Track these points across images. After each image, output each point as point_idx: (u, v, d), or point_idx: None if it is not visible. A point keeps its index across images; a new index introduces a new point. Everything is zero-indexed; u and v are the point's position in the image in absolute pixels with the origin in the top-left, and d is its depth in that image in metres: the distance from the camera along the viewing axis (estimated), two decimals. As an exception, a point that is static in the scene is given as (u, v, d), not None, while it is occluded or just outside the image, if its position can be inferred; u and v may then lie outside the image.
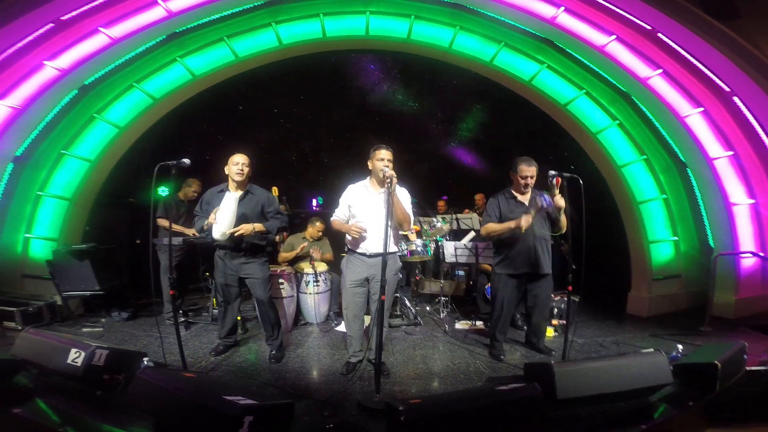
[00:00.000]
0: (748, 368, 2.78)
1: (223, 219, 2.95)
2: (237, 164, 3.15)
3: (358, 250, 3.01)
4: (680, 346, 3.20)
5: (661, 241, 4.91)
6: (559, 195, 3.10)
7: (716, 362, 2.59)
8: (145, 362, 2.73)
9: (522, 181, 3.30)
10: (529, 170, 3.27)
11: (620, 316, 4.80)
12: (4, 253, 4.34)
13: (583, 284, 3.09)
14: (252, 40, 4.60)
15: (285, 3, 4.34)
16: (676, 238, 4.95)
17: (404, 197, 3.01)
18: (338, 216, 3.11)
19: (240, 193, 3.19)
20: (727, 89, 4.14)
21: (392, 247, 2.95)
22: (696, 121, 4.43)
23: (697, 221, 4.92)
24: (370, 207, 2.97)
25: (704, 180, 4.64)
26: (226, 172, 3.23)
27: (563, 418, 2.38)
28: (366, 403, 2.52)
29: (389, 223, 2.68)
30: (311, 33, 4.66)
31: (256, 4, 4.25)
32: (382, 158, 2.88)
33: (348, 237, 3.03)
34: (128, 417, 2.27)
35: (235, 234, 3.01)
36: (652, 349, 2.73)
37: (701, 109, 4.34)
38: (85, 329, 4.05)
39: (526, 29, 4.58)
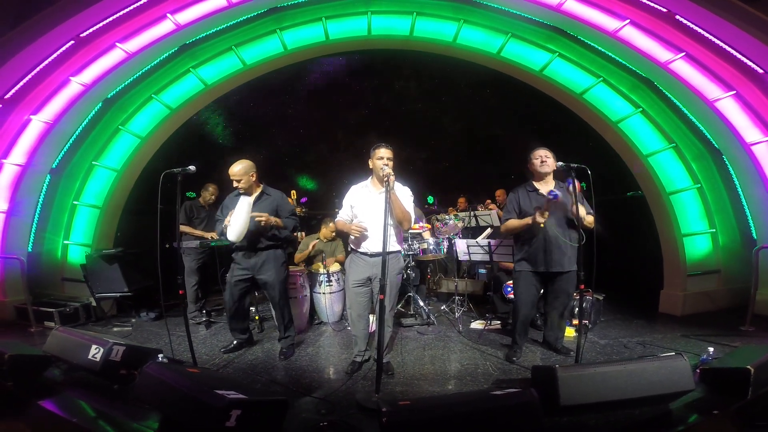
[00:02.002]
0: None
1: (236, 221, 3.02)
2: (233, 178, 3.22)
3: (360, 250, 3.01)
4: (711, 349, 2.95)
5: (696, 234, 4.57)
6: (575, 204, 2.95)
7: (749, 367, 2.37)
8: (160, 358, 2.87)
9: (536, 161, 3.19)
10: (539, 152, 3.20)
11: (651, 316, 4.50)
12: (46, 259, 4.73)
13: (601, 281, 2.90)
14: (259, 48, 4.74)
15: (288, 10, 4.43)
16: (714, 230, 4.58)
17: (405, 196, 2.98)
18: (342, 216, 3.14)
19: (254, 195, 3.28)
20: (761, 71, 3.79)
21: (393, 246, 2.94)
22: (728, 105, 4.08)
23: (738, 211, 4.54)
24: (371, 206, 2.96)
25: (742, 167, 4.27)
26: None
27: (568, 426, 2.26)
28: (364, 403, 2.51)
29: (389, 221, 2.66)
30: (315, 37, 4.72)
31: (258, 12, 4.38)
32: (381, 157, 2.87)
33: (351, 237, 3.04)
34: (139, 410, 2.38)
35: (257, 219, 3.06)
36: (672, 353, 2.53)
37: (733, 92, 4.00)
38: (115, 328, 4.32)
39: (532, 18, 4.41)
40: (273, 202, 3.34)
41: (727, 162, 4.39)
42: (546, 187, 3.22)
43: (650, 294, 4.83)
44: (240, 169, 3.21)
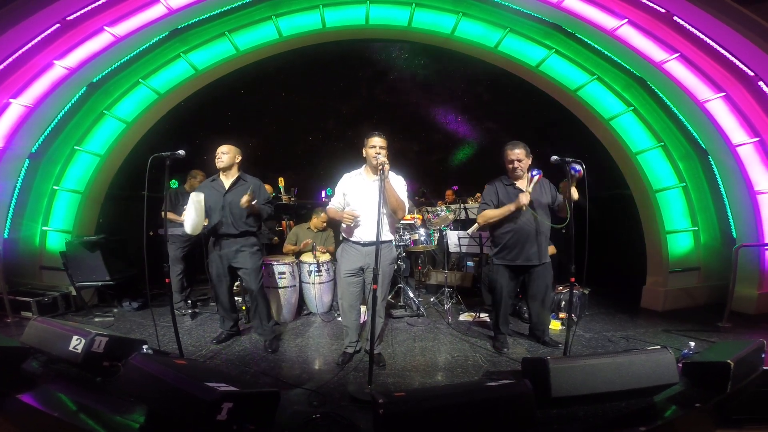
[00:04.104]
0: (766, 368, 2.61)
1: (188, 216, 3.00)
2: (216, 154, 3.32)
3: (353, 239, 2.98)
4: (692, 343, 3.03)
5: (679, 231, 4.67)
6: (575, 188, 2.97)
7: (729, 361, 2.43)
8: (144, 349, 2.78)
9: (510, 166, 3.23)
10: (513, 153, 3.19)
11: (633, 310, 4.62)
12: (23, 246, 4.53)
13: (593, 275, 2.94)
14: (253, 34, 4.62)
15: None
16: (696, 228, 4.69)
17: (399, 185, 2.96)
18: (334, 204, 3.10)
19: (231, 179, 3.34)
20: (752, 74, 3.88)
21: (387, 236, 2.92)
22: (717, 107, 4.17)
23: (719, 211, 4.65)
24: (364, 195, 2.93)
25: (727, 167, 4.37)
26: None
27: (557, 417, 2.29)
28: (356, 395, 2.50)
29: (383, 210, 2.63)
30: (311, 24, 4.63)
31: (253, -2, 4.27)
32: (374, 145, 2.86)
33: (343, 225, 3.01)
34: (124, 403, 2.30)
35: (242, 202, 3.10)
36: (658, 346, 2.59)
37: (723, 94, 4.09)
38: (96, 319, 4.19)
39: (531, 14, 4.42)
40: (248, 189, 3.29)
41: (712, 162, 4.49)
42: (522, 182, 3.27)
43: (632, 289, 4.93)
44: (228, 148, 3.33)
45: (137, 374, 2.14)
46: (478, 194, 6.04)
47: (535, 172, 3.03)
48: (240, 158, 3.38)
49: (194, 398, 1.83)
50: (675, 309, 4.54)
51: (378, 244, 2.53)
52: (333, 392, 2.61)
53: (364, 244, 2.94)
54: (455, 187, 6.63)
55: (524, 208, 3.05)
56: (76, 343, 2.58)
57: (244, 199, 3.07)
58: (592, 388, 2.23)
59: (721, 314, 4.01)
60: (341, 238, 3.12)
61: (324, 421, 2.22)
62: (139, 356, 2.29)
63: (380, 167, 2.64)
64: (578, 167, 2.84)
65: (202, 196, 3.09)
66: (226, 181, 3.33)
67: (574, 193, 2.98)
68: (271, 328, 3.47)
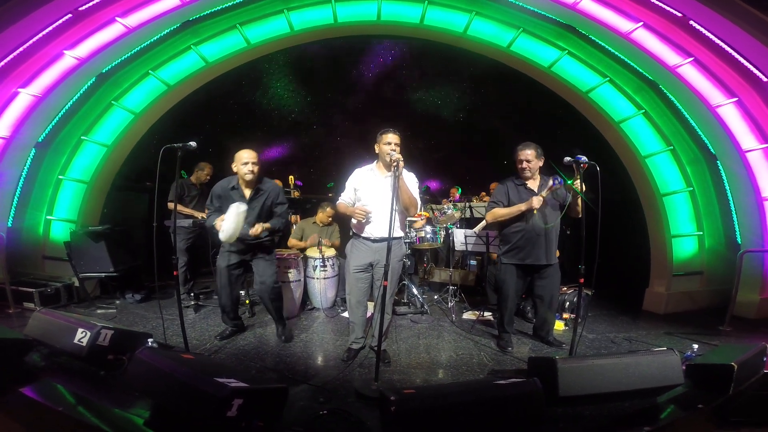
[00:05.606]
0: (766, 371, 2.62)
1: (226, 228, 2.95)
2: (246, 164, 3.11)
3: (363, 234, 2.97)
4: (695, 346, 3.05)
5: (684, 236, 4.67)
6: (580, 179, 2.94)
7: (732, 364, 2.45)
8: (149, 343, 2.77)
9: (519, 166, 3.25)
10: (523, 154, 3.22)
11: (636, 313, 4.63)
12: (26, 235, 4.51)
13: (596, 277, 2.93)
14: (264, 27, 4.61)
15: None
16: (701, 232, 4.69)
17: (411, 181, 2.95)
18: (344, 199, 3.09)
19: (250, 191, 3.24)
20: (765, 79, 3.86)
21: (398, 232, 2.91)
22: (729, 112, 4.16)
23: (725, 216, 4.64)
24: (376, 191, 2.92)
25: (734, 173, 4.36)
26: (234, 170, 3.19)
27: (564, 416, 2.30)
28: (363, 391, 2.50)
29: (395, 206, 2.62)
30: (323, 19, 4.62)
31: (268, -9, 4.25)
32: (389, 142, 2.83)
33: (353, 221, 3.00)
34: (128, 397, 2.29)
35: (251, 233, 3.10)
36: (664, 348, 2.60)
37: (735, 99, 4.07)
38: (99, 310, 4.16)
39: (546, 15, 4.40)
40: (268, 197, 3.30)
41: (720, 167, 4.48)
42: (533, 182, 3.29)
43: (634, 291, 4.94)
44: (257, 157, 3.18)
45: (144, 368, 2.11)
46: (483, 193, 6.04)
47: (557, 182, 2.99)
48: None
49: (204, 394, 1.81)
50: (677, 312, 4.56)
51: (390, 240, 2.53)
52: (339, 388, 2.61)
53: (375, 240, 2.93)
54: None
55: (534, 211, 3.06)
56: (81, 336, 2.55)
57: (256, 231, 3.10)
58: (598, 388, 2.24)
59: (722, 318, 4.03)
60: (351, 234, 3.11)
61: (331, 417, 2.23)
62: (146, 350, 2.27)
63: (394, 164, 2.64)
64: (583, 157, 2.84)
65: (244, 207, 3.00)
66: (246, 190, 3.25)
67: (580, 185, 2.94)
68: (284, 320, 3.54)
